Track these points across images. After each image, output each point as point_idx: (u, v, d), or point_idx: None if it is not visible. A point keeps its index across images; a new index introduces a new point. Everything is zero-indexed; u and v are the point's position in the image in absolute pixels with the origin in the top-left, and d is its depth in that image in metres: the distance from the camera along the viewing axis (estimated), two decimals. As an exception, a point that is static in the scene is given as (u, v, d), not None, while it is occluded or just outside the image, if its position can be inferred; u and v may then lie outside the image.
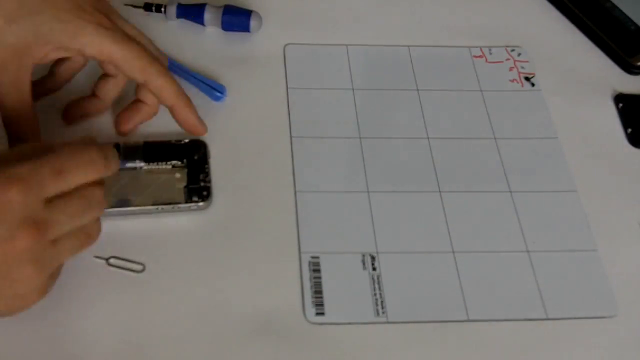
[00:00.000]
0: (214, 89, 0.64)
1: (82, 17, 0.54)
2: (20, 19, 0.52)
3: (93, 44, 0.54)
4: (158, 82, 0.57)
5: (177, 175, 0.58)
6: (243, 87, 0.66)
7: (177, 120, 0.59)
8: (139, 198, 0.56)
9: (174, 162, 0.59)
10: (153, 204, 0.56)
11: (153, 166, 0.58)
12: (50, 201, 0.45)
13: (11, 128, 0.55)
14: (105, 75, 0.60)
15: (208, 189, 0.58)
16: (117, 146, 0.58)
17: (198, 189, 0.58)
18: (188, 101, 0.59)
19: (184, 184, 0.58)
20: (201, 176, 0.58)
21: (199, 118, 0.60)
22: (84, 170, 0.47)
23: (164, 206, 0.56)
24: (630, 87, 0.71)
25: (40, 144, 0.50)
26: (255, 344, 0.52)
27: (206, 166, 0.59)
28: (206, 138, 0.61)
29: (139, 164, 0.58)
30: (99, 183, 0.49)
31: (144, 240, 0.56)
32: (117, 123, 0.61)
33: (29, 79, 0.54)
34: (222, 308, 0.53)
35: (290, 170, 0.61)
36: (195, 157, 0.59)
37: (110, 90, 0.60)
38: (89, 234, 0.49)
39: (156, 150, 0.59)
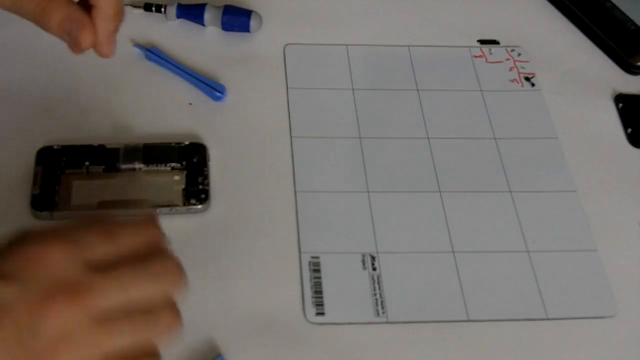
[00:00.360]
0: (214, 89, 0.64)
1: None
2: None
3: None
4: None
5: (176, 177, 0.58)
6: (243, 87, 0.66)
7: (92, 23, 0.49)
8: (137, 199, 0.56)
9: (173, 164, 0.59)
10: (151, 206, 0.56)
11: (152, 168, 0.58)
12: (102, 268, 0.38)
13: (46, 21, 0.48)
14: None
15: (206, 192, 0.58)
16: (117, 150, 0.58)
17: (196, 191, 0.58)
18: (117, 14, 0.50)
19: (183, 186, 0.58)
20: (200, 179, 0.58)
21: (112, 36, 0.50)
22: (137, 236, 0.40)
23: (162, 208, 0.56)
24: (630, 87, 0.70)
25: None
26: (255, 344, 0.52)
27: (205, 169, 0.59)
28: (205, 138, 0.61)
29: (138, 165, 0.58)
30: (172, 255, 0.41)
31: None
32: (96, 44, 0.50)
33: None
34: (222, 308, 0.53)
35: (290, 170, 0.61)
36: (195, 160, 0.59)
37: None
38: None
39: (156, 152, 0.59)
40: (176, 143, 0.60)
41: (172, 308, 0.39)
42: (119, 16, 0.50)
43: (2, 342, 0.35)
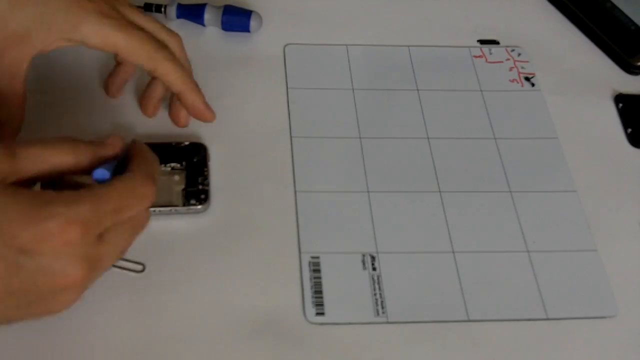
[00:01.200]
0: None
1: (85, 6, 0.53)
2: (24, 5, 0.52)
3: (95, 34, 0.53)
4: (164, 68, 0.56)
5: (176, 177, 0.58)
6: (243, 87, 0.66)
7: (185, 106, 0.59)
8: None
9: (173, 164, 0.59)
10: (150, 206, 0.56)
11: None
12: (102, 236, 0.45)
13: None
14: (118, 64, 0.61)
15: (206, 193, 0.58)
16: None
17: (196, 192, 0.57)
18: (195, 87, 0.58)
19: (182, 186, 0.58)
20: (200, 179, 0.58)
21: (206, 104, 0.59)
22: (139, 206, 0.47)
23: (161, 209, 0.56)
24: (630, 87, 0.71)
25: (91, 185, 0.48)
26: (255, 344, 0.52)
27: (205, 169, 0.59)
28: (206, 138, 0.61)
29: None
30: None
31: (144, 241, 0.56)
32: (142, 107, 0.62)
33: (25, 67, 0.54)
34: (222, 308, 0.53)
35: (290, 170, 0.61)
36: (195, 160, 0.59)
37: (119, 78, 0.61)
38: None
39: (156, 152, 0.59)
40: (176, 143, 0.60)
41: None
42: (195, 88, 0.59)
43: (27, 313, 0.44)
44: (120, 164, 0.48)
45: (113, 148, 0.49)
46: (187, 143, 0.60)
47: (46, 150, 0.46)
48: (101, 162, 0.47)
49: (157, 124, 0.62)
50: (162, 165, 0.58)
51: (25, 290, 0.42)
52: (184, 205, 0.57)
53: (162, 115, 0.62)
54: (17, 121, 0.55)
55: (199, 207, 0.57)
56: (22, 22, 0.52)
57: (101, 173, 0.47)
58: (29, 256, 0.42)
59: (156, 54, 0.55)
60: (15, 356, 0.50)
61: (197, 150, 0.60)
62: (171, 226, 0.57)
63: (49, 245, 0.42)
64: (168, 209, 0.56)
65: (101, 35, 0.53)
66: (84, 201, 0.43)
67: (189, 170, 0.58)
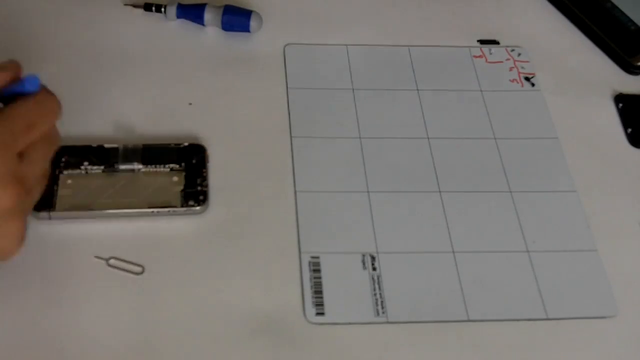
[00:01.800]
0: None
1: None
2: None
3: None
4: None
5: (175, 178, 0.58)
6: (243, 87, 0.66)
7: None
8: (135, 200, 0.56)
9: (172, 165, 0.59)
10: (149, 207, 0.56)
11: (151, 169, 0.58)
12: (21, 154, 0.46)
13: None
14: None
15: (205, 194, 0.58)
16: (116, 150, 0.59)
17: (195, 193, 0.57)
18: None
19: (181, 187, 0.58)
20: (198, 180, 0.58)
21: None
22: (48, 120, 0.48)
23: (160, 209, 0.56)
24: (630, 87, 0.71)
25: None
26: (255, 344, 0.52)
27: (204, 170, 0.59)
28: (205, 138, 0.61)
29: (137, 166, 0.58)
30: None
31: (143, 242, 0.56)
32: None
33: None
34: (222, 308, 0.53)
35: (290, 170, 0.61)
36: (194, 161, 0.59)
37: None
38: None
39: (155, 153, 0.59)
40: (175, 144, 0.60)
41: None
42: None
43: None
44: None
45: (14, 70, 0.49)
46: (186, 144, 0.60)
47: None
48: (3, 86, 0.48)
49: (157, 126, 0.62)
50: (161, 166, 0.58)
51: None
52: (182, 206, 0.57)
53: (162, 117, 0.62)
54: None
55: (198, 208, 0.57)
56: None
57: (33, 81, 0.48)
58: None
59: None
60: (14, 356, 0.50)
61: (196, 151, 0.60)
62: (170, 227, 0.57)
63: None
64: (167, 209, 0.57)
65: None
66: None
67: (187, 171, 0.58)
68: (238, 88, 0.66)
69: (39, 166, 0.48)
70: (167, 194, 0.57)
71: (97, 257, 0.54)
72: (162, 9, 0.69)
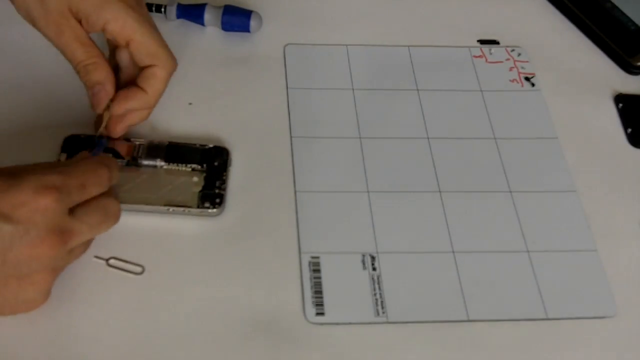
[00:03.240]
0: None
1: None
2: None
3: (117, 20, 0.55)
4: (162, 71, 0.58)
5: (195, 179, 0.58)
6: (243, 87, 0.66)
7: (113, 105, 0.58)
8: (153, 196, 0.57)
9: (194, 165, 0.59)
10: (165, 205, 0.56)
11: (173, 167, 0.58)
12: (72, 212, 0.48)
13: (87, 77, 0.56)
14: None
15: (222, 197, 0.58)
16: (140, 145, 0.59)
17: (212, 195, 0.58)
18: (149, 109, 0.59)
19: (200, 188, 0.58)
20: (217, 183, 0.58)
21: (124, 127, 0.59)
22: (100, 186, 0.50)
23: (175, 208, 0.56)
24: (630, 87, 0.71)
25: (56, 162, 0.55)
26: (255, 344, 0.52)
27: (224, 173, 0.59)
28: (205, 138, 0.61)
29: (160, 162, 0.58)
30: (113, 195, 0.51)
31: (144, 240, 0.56)
32: (109, 124, 0.59)
33: (86, 34, 0.56)
34: (222, 308, 0.53)
35: (290, 170, 0.61)
36: (216, 164, 0.59)
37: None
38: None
39: (179, 151, 0.59)
40: (201, 145, 0.60)
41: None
42: (149, 109, 0.59)
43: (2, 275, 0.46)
44: None
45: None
46: (210, 146, 0.60)
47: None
48: None
49: (157, 125, 0.62)
50: (184, 165, 0.59)
51: (3, 258, 0.45)
52: (197, 207, 0.57)
53: (162, 117, 0.62)
54: (111, 79, 0.57)
55: (213, 210, 0.57)
56: (58, 1, 0.54)
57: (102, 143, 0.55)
58: (7, 222, 0.44)
59: (162, 53, 0.58)
60: (13, 355, 0.50)
61: (220, 153, 0.60)
62: (176, 227, 0.57)
63: (24, 212, 0.45)
64: (182, 208, 0.57)
65: (122, 23, 0.55)
66: (52, 172, 0.47)
67: (208, 173, 0.59)
68: (238, 88, 0.66)
69: (86, 230, 0.49)
70: (185, 193, 0.57)
71: (96, 257, 0.54)
72: (162, 9, 0.69)
